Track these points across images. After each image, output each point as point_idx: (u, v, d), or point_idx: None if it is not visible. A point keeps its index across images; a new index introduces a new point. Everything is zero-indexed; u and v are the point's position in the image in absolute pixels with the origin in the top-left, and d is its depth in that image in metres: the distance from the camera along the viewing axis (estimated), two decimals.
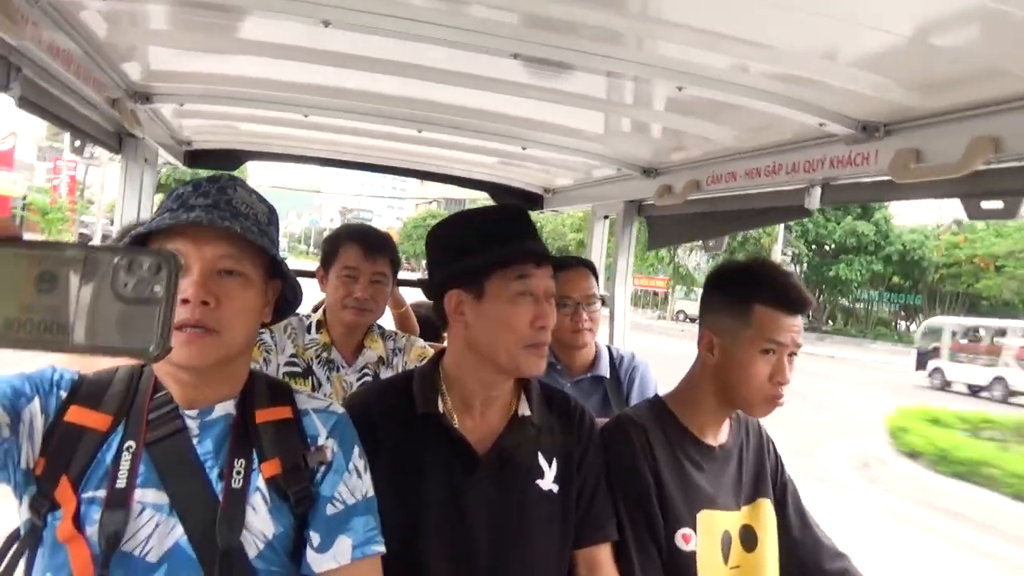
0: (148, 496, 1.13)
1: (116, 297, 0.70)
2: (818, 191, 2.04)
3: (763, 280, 1.63)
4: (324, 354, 2.30)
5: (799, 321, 1.61)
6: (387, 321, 2.72)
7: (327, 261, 2.32)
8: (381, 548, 1.25)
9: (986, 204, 1.60)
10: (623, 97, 2.21)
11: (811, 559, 1.73)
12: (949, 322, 23.34)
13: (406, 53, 1.88)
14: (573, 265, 2.54)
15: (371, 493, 1.28)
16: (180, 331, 1.10)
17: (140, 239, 1.15)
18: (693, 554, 1.57)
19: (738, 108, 1.95)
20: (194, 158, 3.31)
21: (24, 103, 1.55)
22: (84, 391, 1.18)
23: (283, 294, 1.31)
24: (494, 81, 2.06)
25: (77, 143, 2.11)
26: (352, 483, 1.26)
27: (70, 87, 1.75)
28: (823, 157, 1.93)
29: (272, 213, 1.28)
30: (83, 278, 0.70)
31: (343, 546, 1.21)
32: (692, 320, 30.67)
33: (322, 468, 1.24)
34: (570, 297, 2.43)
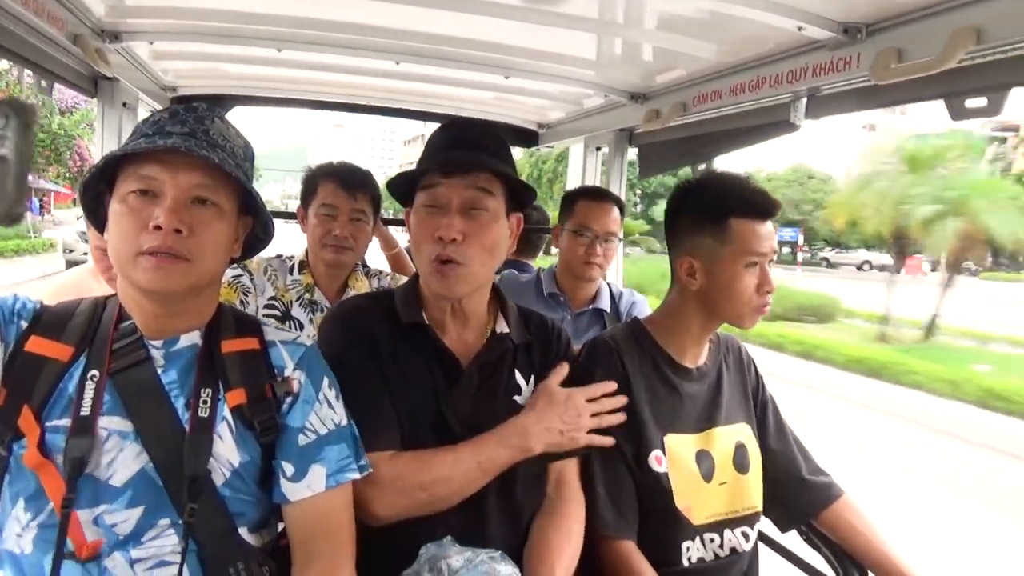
0: (113, 423, 1.14)
1: None
2: (803, 103, 1.97)
3: (733, 193, 1.59)
4: (307, 295, 2.27)
5: (771, 226, 1.57)
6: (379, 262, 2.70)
7: (306, 199, 2.29)
8: (355, 474, 1.26)
9: (970, 103, 1.53)
10: (612, 15, 2.14)
11: (791, 470, 1.73)
12: None
13: None
14: (603, 198, 2.52)
15: (344, 422, 1.28)
16: (150, 256, 1.10)
17: (113, 164, 1.15)
18: (665, 475, 1.57)
19: (720, 19, 1.89)
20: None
21: None
22: (45, 321, 1.19)
23: (254, 231, 1.30)
24: (481, 3, 1.99)
25: (43, 83, 2.07)
26: (323, 413, 1.26)
27: (25, 22, 1.71)
28: (805, 66, 1.86)
29: (248, 148, 1.26)
30: None
31: (317, 475, 1.22)
32: None
33: (289, 399, 1.24)
34: (590, 228, 2.43)
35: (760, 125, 2.19)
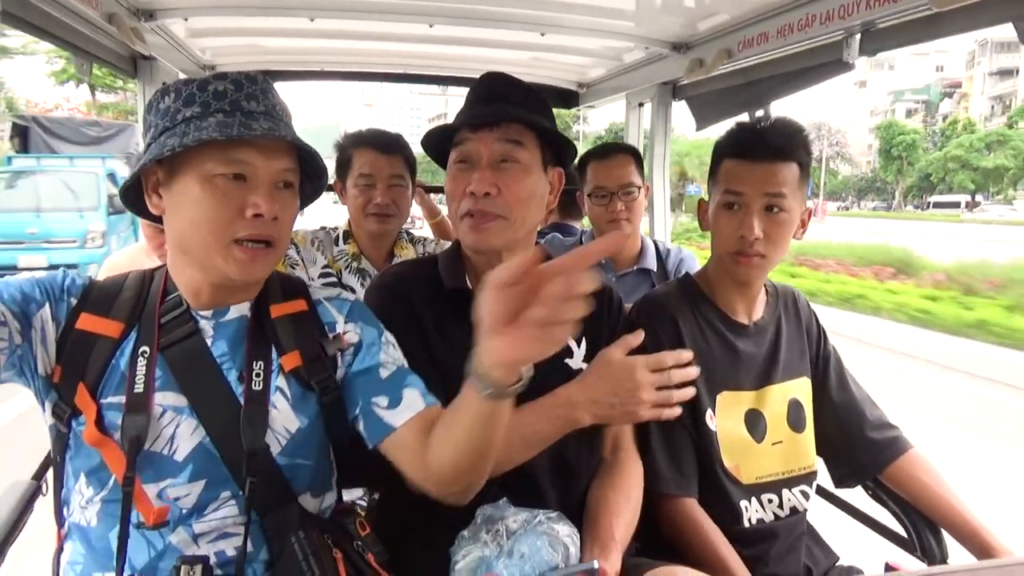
0: (168, 399, 1.14)
1: None
2: (857, 40, 1.86)
3: (730, 135, 1.55)
4: (354, 263, 2.29)
5: (771, 168, 1.47)
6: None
7: (342, 171, 2.28)
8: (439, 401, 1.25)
9: None
10: None
11: (855, 425, 1.66)
12: None
13: None
14: (611, 153, 2.47)
15: (406, 364, 1.28)
16: (245, 247, 1.11)
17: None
18: (715, 433, 1.53)
19: None
20: None
21: (7, 18, 1.51)
22: (94, 298, 1.19)
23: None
24: None
25: (83, 65, 2.09)
26: (392, 352, 1.27)
27: (60, 2, 1.71)
28: None
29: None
30: None
31: (412, 397, 1.23)
32: None
33: (350, 350, 1.24)
34: (604, 187, 2.40)
35: (811, 67, 2.08)
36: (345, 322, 1.26)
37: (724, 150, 1.54)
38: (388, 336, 1.29)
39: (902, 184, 54.67)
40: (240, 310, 1.22)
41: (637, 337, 1.43)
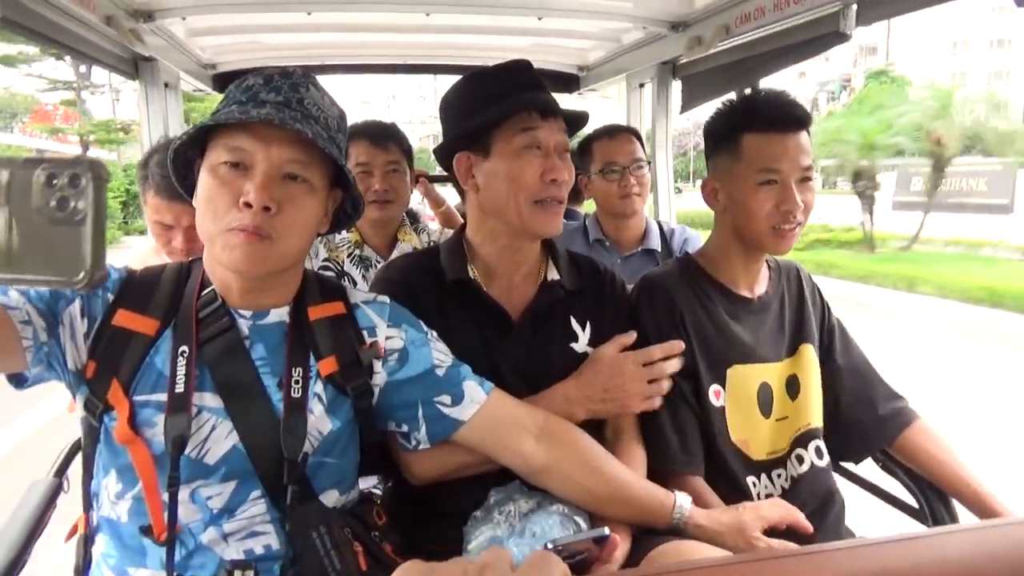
0: (205, 400, 1.14)
1: (38, 217, 0.59)
2: (853, 10, 1.84)
3: (747, 107, 1.53)
4: (357, 251, 2.30)
5: (799, 139, 1.47)
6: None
7: None
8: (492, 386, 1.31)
9: None
10: None
11: (861, 397, 1.66)
12: None
13: None
14: (617, 132, 2.50)
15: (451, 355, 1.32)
16: (234, 234, 1.09)
17: (202, 134, 1.13)
18: (722, 409, 1.53)
19: None
20: (223, 82, 3.27)
21: (7, 24, 1.53)
22: (131, 293, 1.18)
23: (343, 205, 1.28)
24: None
25: (82, 68, 2.10)
26: (440, 347, 1.30)
27: (56, 5, 1.72)
28: None
29: (342, 119, 1.24)
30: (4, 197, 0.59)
31: (472, 390, 1.27)
32: None
33: (393, 356, 1.26)
34: (616, 162, 2.41)
35: (809, 39, 2.06)
36: (388, 326, 1.27)
37: (745, 123, 1.51)
38: (431, 331, 1.31)
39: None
40: (280, 315, 1.21)
41: (629, 337, 1.48)
